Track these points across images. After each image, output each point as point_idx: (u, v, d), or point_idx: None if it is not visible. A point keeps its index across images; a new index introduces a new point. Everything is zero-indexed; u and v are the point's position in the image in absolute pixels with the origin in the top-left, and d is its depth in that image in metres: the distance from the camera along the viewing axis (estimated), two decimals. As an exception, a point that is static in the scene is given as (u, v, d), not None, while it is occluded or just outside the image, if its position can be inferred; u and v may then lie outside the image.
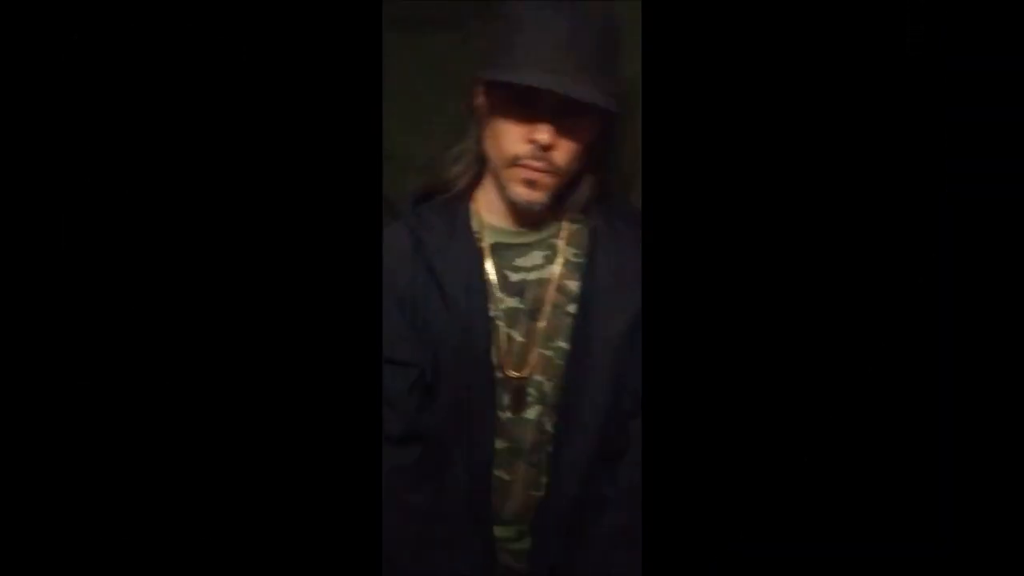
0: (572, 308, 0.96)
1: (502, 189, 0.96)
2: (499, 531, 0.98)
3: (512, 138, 0.92)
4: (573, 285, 0.98)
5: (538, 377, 0.96)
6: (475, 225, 0.99)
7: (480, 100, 0.94)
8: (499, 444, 0.96)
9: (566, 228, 1.00)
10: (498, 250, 0.99)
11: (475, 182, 1.00)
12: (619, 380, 0.95)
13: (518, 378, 0.95)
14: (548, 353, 0.96)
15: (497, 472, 0.96)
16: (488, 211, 1.00)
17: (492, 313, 0.96)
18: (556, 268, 0.98)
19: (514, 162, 0.92)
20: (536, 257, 0.99)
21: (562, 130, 0.90)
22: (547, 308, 0.96)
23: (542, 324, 0.96)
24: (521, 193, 0.94)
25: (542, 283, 0.98)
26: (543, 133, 0.89)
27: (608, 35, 0.92)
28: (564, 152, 0.92)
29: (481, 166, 0.99)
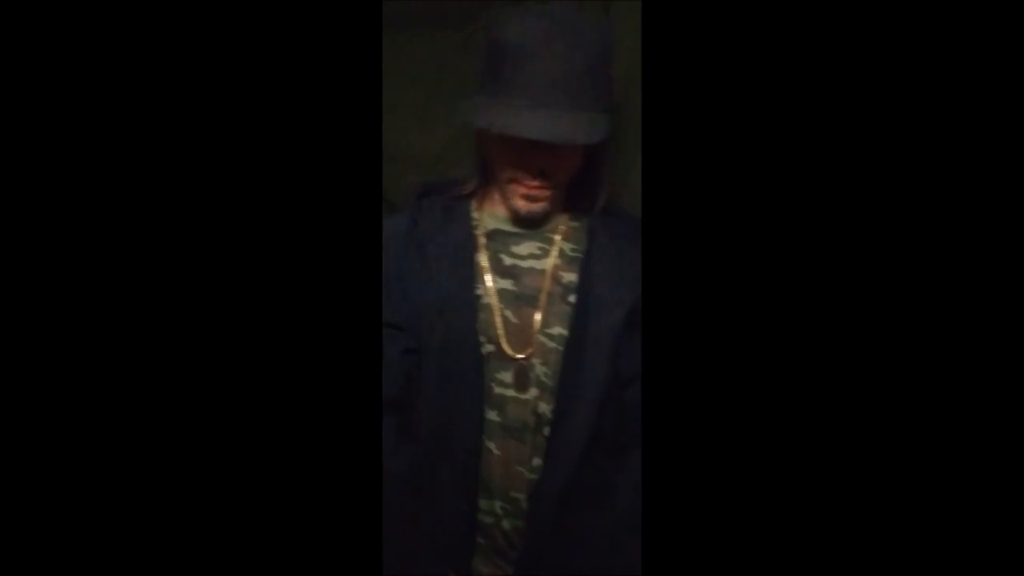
0: (571, 298, 0.99)
1: (504, 198, 1.01)
2: (484, 503, 0.99)
3: (508, 163, 0.96)
4: (570, 276, 1.00)
5: (535, 361, 0.98)
6: (474, 215, 1.03)
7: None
8: (491, 416, 0.98)
9: (564, 225, 1.03)
10: (494, 237, 1.02)
11: (480, 188, 1.04)
12: (615, 370, 0.97)
13: (521, 358, 0.97)
14: (546, 340, 0.98)
15: (488, 443, 0.98)
16: (490, 207, 1.04)
17: (480, 292, 0.99)
18: (551, 260, 1.01)
19: (512, 180, 0.97)
20: (531, 247, 1.02)
21: (556, 156, 0.95)
22: (543, 296, 0.99)
23: (539, 311, 0.98)
24: (521, 206, 0.99)
25: (537, 272, 1.01)
26: (537, 160, 0.94)
27: (602, 54, 0.94)
28: (562, 171, 0.97)
29: (485, 176, 1.03)
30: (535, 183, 0.96)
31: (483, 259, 1.01)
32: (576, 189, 1.02)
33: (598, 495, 0.99)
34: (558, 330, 0.98)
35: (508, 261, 1.01)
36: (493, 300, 0.99)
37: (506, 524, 0.99)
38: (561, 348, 0.98)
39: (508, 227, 1.02)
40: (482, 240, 1.02)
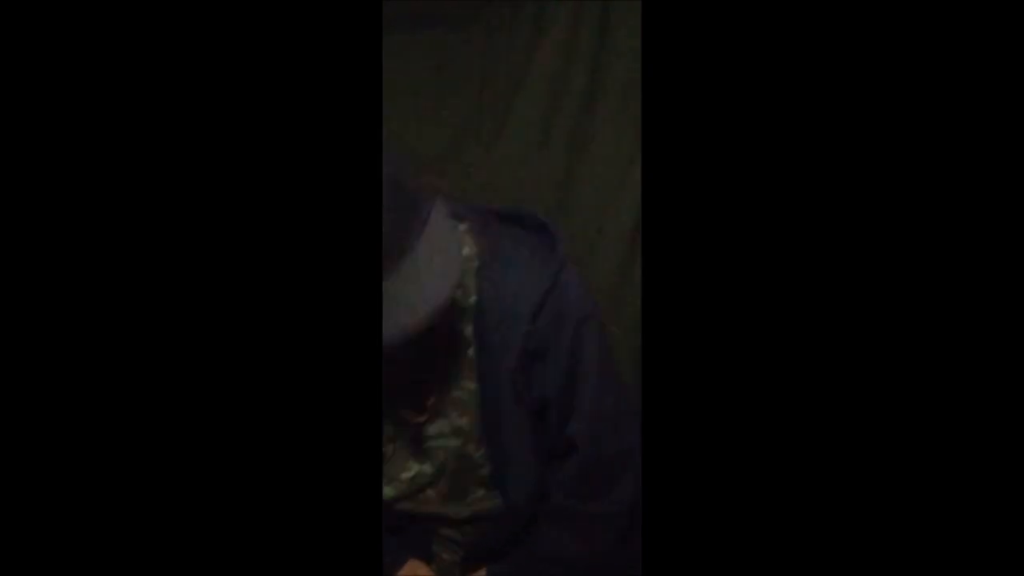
0: (466, 352, 0.98)
1: None
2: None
3: None
4: (467, 331, 0.98)
5: (452, 412, 1.00)
6: None
7: None
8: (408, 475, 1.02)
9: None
10: None
11: None
12: (527, 404, 0.99)
13: (422, 422, 1.00)
14: (457, 393, 0.99)
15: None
16: None
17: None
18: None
19: None
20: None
21: None
22: (441, 354, 0.98)
23: (442, 366, 0.98)
24: None
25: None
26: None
27: None
28: None
29: None
30: None
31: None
32: None
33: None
34: (466, 383, 0.99)
35: None
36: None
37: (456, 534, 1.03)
38: (474, 400, 0.99)
39: None
40: None
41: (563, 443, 1.01)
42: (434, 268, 0.85)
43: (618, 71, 1.24)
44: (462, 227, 0.99)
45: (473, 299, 0.98)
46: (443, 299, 0.84)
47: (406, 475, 1.02)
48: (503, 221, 1.03)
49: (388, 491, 1.01)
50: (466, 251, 0.98)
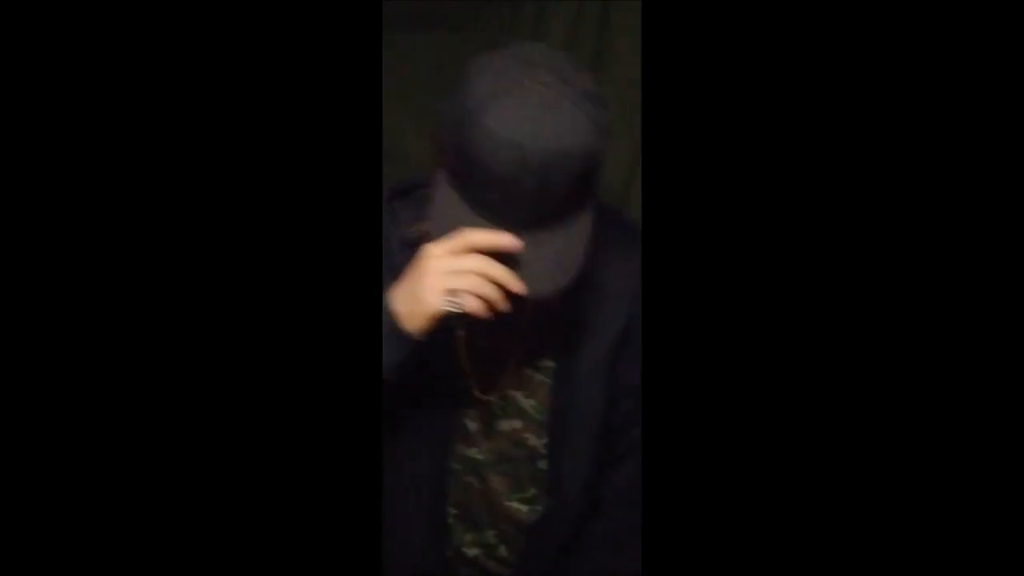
0: (545, 326, 0.93)
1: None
2: (470, 536, 0.97)
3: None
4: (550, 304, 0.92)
5: (518, 393, 0.94)
6: None
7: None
8: (466, 452, 0.95)
9: None
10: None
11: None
12: (609, 396, 0.94)
13: (487, 399, 0.94)
14: (529, 370, 0.94)
15: (467, 477, 0.95)
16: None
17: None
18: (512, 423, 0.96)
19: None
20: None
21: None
22: (522, 326, 0.91)
23: (514, 338, 0.92)
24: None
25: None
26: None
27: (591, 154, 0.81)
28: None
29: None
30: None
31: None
32: None
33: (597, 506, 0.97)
34: (546, 362, 0.94)
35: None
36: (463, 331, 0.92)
37: (503, 551, 0.97)
38: (549, 381, 0.93)
39: None
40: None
41: (623, 447, 0.97)
42: (571, 237, 0.80)
43: (618, 71, 1.24)
44: None
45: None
46: (581, 262, 0.80)
47: (470, 452, 0.95)
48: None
49: (454, 465, 0.95)
50: None
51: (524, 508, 0.96)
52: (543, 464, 0.94)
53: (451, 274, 0.76)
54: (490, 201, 0.77)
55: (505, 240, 0.76)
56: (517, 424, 0.94)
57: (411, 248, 0.83)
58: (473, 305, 0.76)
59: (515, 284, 0.77)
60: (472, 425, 0.94)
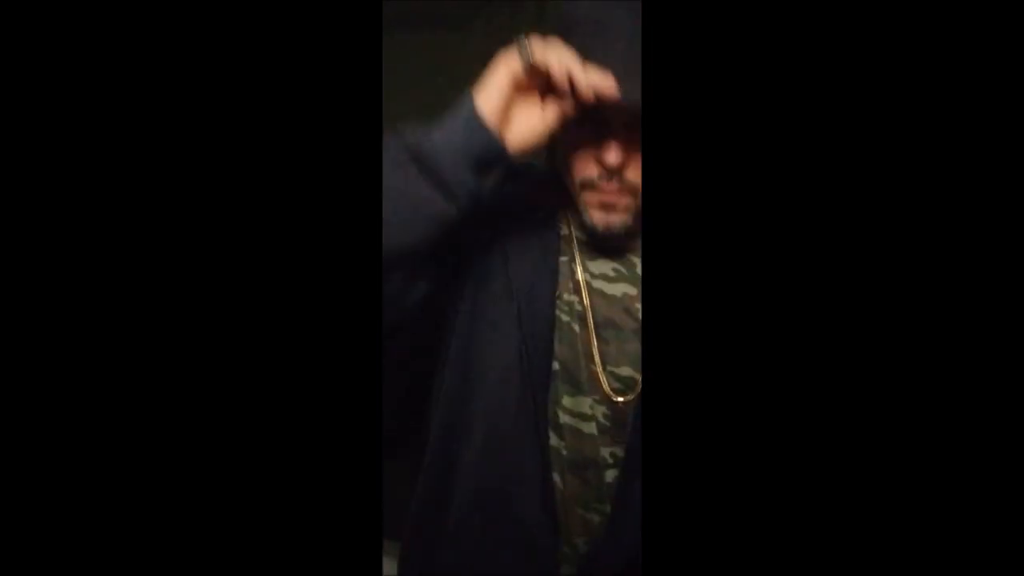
0: (635, 333, 0.88)
1: (579, 215, 0.88)
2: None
3: (580, 162, 0.85)
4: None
5: (596, 395, 0.89)
6: (560, 217, 0.93)
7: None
8: (554, 443, 0.88)
9: None
10: (576, 245, 0.91)
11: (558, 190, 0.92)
12: None
13: (610, 400, 0.88)
14: (609, 379, 0.89)
15: (553, 474, 0.88)
16: (574, 213, 0.91)
17: (557, 303, 0.88)
18: (623, 287, 0.90)
19: (586, 186, 0.86)
20: (606, 267, 0.91)
21: (632, 146, 0.83)
22: (610, 328, 0.89)
23: (604, 344, 0.89)
24: (598, 218, 0.86)
25: (608, 298, 0.90)
26: (611, 154, 0.82)
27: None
28: (638, 170, 0.84)
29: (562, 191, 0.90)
30: (612, 187, 0.84)
31: (561, 263, 0.90)
32: None
33: None
34: (626, 371, 0.88)
35: (580, 276, 0.90)
36: (560, 314, 0.88)
37: (564, 569, 0.90)
38: (628, 391, 0.88)
39: (587, 238, 0.91)
40: (565, 247, 0.91)
41: None
42: None
43: (617, 71, 1.23)
44: None
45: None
46: None
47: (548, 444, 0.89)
48: None
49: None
50: None
51: (596, 519, 0.90)
52: (610, 476, 0.87)
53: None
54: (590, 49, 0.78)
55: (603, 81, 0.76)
56: (593, 429, 0.89)
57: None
58: (552, 64, 0.76)
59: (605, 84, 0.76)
60: (563, 418, 0.89)
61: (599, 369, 0.88)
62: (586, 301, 0.89)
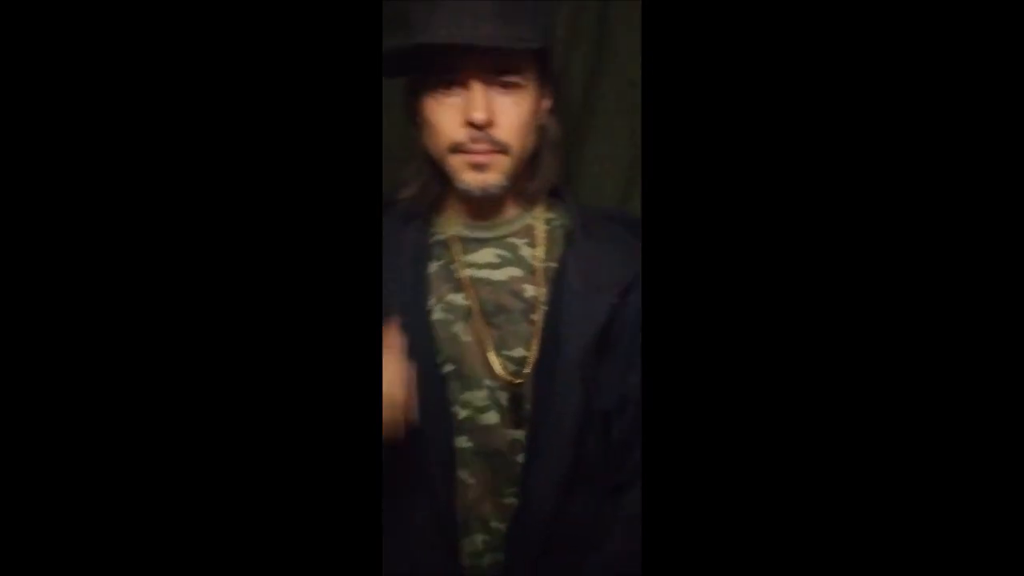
0: (534, 316, 0.90)
1: (454, 188, 0.89)
2: (464, 542, 0.91)
3: (446, 125, 0.86)
4: (533, 290, 0.91)
5: (491, 382, 0.90)
6: (434, 224, 0.94)
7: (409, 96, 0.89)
8: (461, 443, 0.90)
9: (535, 228, 0.94)
10: (451, 244, 0.92)
11: (438, 198, 0.94)
12: (588, 400, 0.89)
13: (508, 383, 0.90)
14: (505, 362, 0.90)
15: (460, 473, 0.90)
16: (452, 210, 0.94)
17: (434, 309, 0.90)
18: (509, 271, 0.92)
19: (455, 150, 0.86)
20: (489, 254, 0.92)
21: (497, 103, 0.85)
22: (500, 315, 0.90)
23: (496, 330, 0.90)
24: (470, 179, 0.87)
25: (495, 284, 0.91)
26: (476, 110, 0.83)
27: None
28: (507, 128, 0.86)
29: (438, 180, 0.92)
30: (480, 144, 0.84)
31: (435, 269, 0.91)
32: (535, 173, 0.92)
33: (589, 535, 0.91)
34: (519, 352, 0.90)
35: (463, 272, 0.91)
36: (442, 316, 0.90)
37: (487, 559, 0.91)
38: (521, 370, 0.90)
39: (468, 232, 0.93)
40: (437, 248, 0.93)
41: (625, 472, 0.90)
42: None
43: (618, 71, 1.24)
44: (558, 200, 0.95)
45: (555, 264, 0.92)
46: None
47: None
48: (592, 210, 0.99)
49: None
50: (553, 216, 0.94)
51: (511, 501, 0.90)
52: (521, 458, 0.89)
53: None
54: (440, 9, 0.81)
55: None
56: (495, 416, 0.90)
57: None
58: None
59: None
60: (464, 415, 0.90)
61: (494, 355, 0.89)
62: (471, 295, 0.90)
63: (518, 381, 0.89)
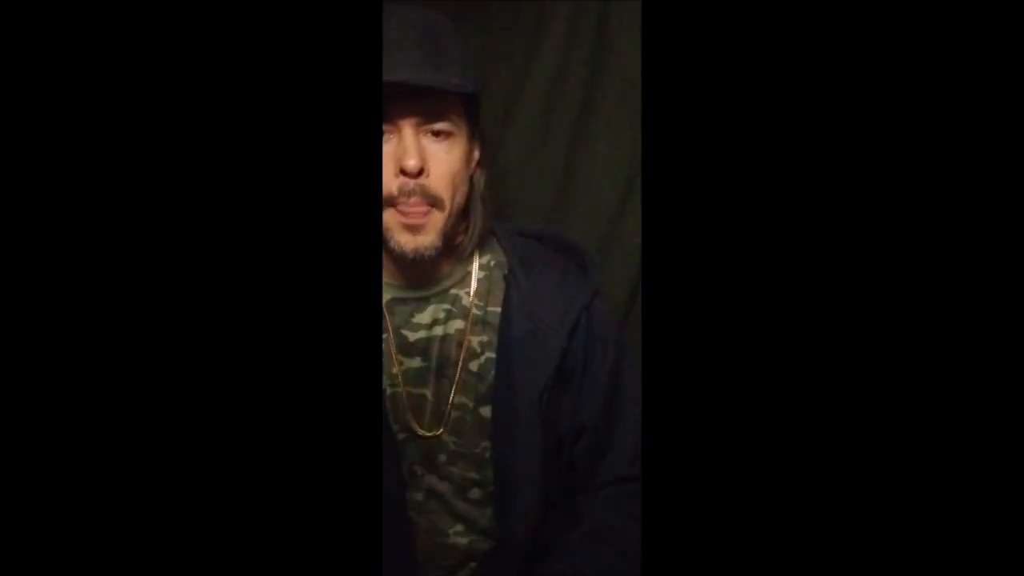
0: (473, 366, 0.93)
1: (388, 249, 0.88)
2: None
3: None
4: (477, 342, 0.93)
5: (447, 437, 0.93)
6: None
7: None
8: (416, 498, 0.94)
9: (471, 274, 0.95)
10: (392, 309, 0.93)
11: None
12: (548, 428, 0.92)
13: (428, 437, 0.93)
14: (456, 413, 0.93)
15: (416, 518, 0.93)
16: (387, 275, 0.93)
17: (389, 377, 0.92)
18: (459, 323, 0.93)
19: (389, 204, 0.85)
20: (436, 311, 0.93)
21: (429, 150, 0.85)
22: (450, 367, 0.93)
23: (446, 383, 0.93)
24: (406, 241, 0.86)
25: (445, 339, 0.93)
26: (409, 157, 0.83)
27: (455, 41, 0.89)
28: (438, 178, 0.85)
29: None
30: (414, 201, 0.84)
31: (387, 334, 0.91)
32: (466, 228, 0.93)
33: (554, 553, 0.94)
34: (465, 401, 0.92)
35: (412, 336, 0.92)
36: (405, 384, 0.92)
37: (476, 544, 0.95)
38: (468, 420, 0.92)
39: (405, 292, 0.93)
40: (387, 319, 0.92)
41: (599, 476, 0.95)
42: None
43: (618, 71, 1.24)
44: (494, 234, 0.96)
45: (498, 309, 0.93)
46: None
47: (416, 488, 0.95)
48: (525, 236, 1.00)
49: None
50: (488, 258, 0.95)
51: (460, 541, 0.95)
52: (475, 494, 0.93)
53: None
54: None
55: None
56: (443, 458, 0.93)
57: None
58: None
59: None
60: (419, 472, 0.94)
61: (446, 407, 0.92)
62: (408, 362, 0.92)
63: (430, 435, 0.92)
